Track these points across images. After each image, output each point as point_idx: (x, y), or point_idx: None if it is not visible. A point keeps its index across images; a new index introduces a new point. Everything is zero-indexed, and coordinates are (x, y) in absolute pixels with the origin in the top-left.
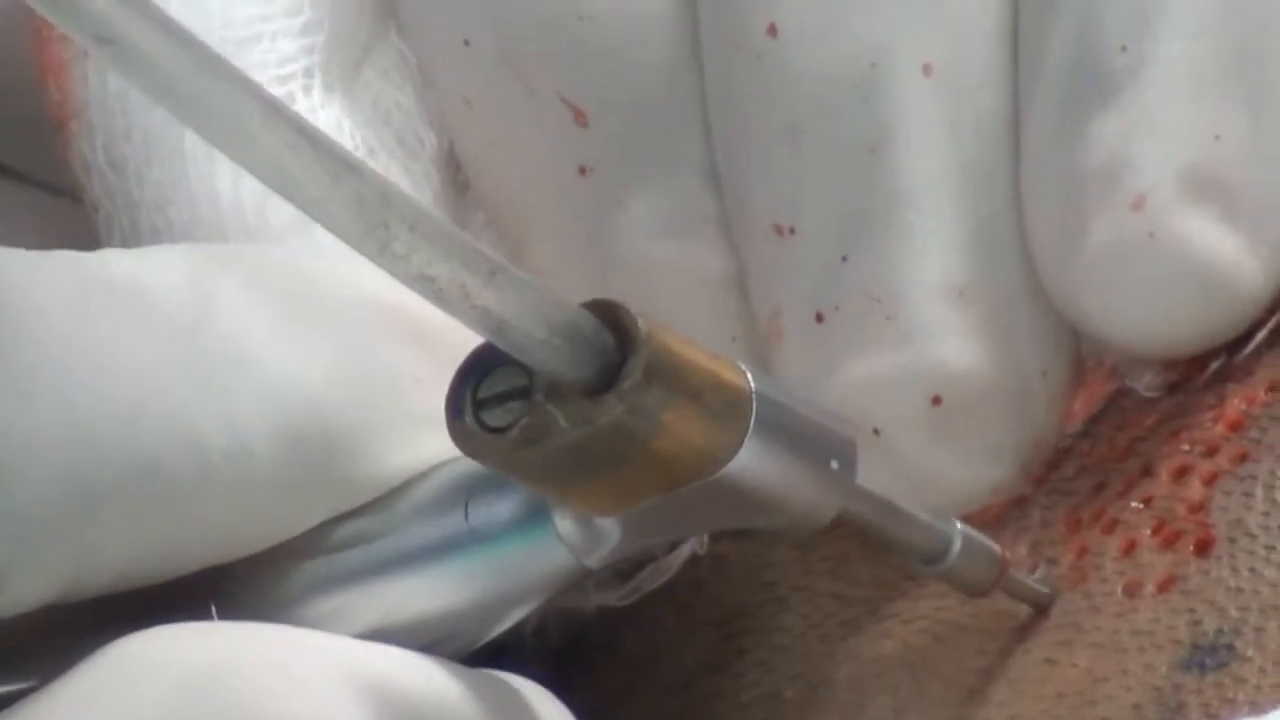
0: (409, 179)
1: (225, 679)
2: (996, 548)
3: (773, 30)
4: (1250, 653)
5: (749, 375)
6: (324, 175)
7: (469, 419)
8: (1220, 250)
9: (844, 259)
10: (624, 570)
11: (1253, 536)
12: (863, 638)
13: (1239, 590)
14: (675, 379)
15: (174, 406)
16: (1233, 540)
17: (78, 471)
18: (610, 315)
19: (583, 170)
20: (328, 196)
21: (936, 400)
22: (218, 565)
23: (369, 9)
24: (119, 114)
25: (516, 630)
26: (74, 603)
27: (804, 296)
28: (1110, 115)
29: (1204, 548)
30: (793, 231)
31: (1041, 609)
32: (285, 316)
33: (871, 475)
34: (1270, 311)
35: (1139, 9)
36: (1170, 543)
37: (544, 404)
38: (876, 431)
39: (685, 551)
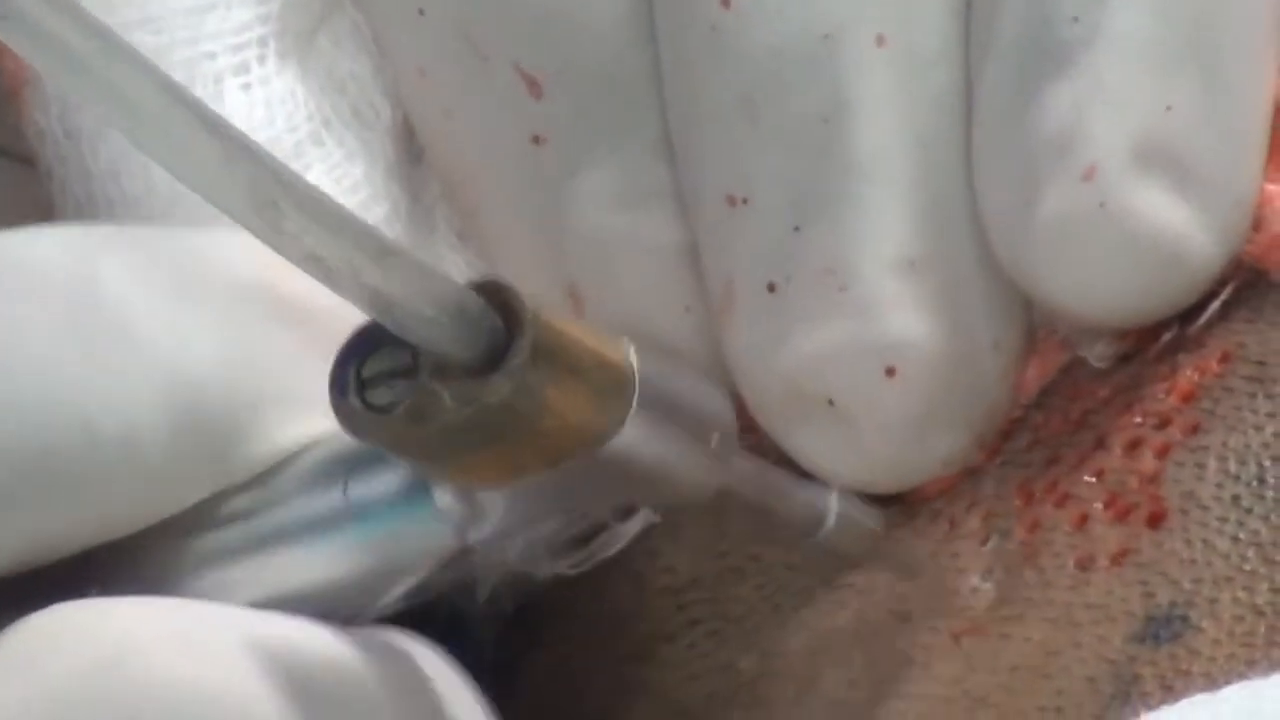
0: (364, 149)
1: (131, 653)
2: (873, 521)
3: (726, 2)
4: (1204, 624)
5: (632, 353)
6: (216, 155)
7: (353, 398)
8: (1171, 221)
9: (796, 230)
10: (578, 538)
11: (1205, 508)
12: (817, 609)
13: (1192, 562)
14: (561, 358)
15: (63, 390)
16: (1185, 512)
17: None
18: (497, 295)
19: (536, 140)
20: (219, 176)
21: (890, 371)
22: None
23: None
24: None
25: (469, 595)
26: None
27: (756, 267)
28: (1062, 85)
29: (1156, 520)
30: (745, 202)
31: (909, 578)
32: (170, 295)
33: (825, 446)
34: (1222, 283)
35: None
36: (1123, 516)
37: (429, 383)
38: (831, 403)
39: (639, 520)
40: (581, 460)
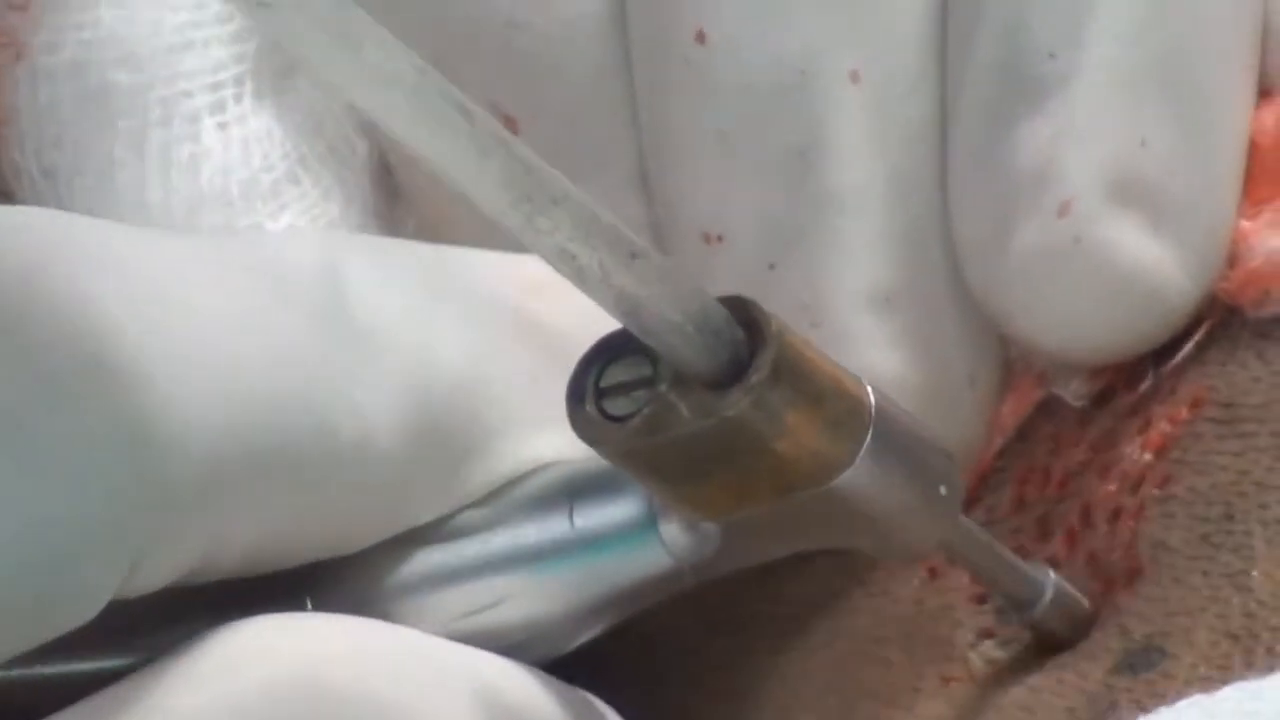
0: (341, 186)
1: (322, 670)
2: (1086, 602)
3: (701, 37)
4: (1179, 652)
5: (869, 387)
6: (473, 149)
7: (590, 405)
8: (1145, 257)
9: (771, 267)
10: None
11: (1174, 550)
12: (790, 656)
13: (1164, 600)
14: (801, 379)
15: (304, 387)
16: (1155, 560)
17: (218, 451)
18: (741, 311)
19: None
20: (476, 170)
21: None
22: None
23: None
24: (50, 121)
25: None
26: (181, 588)
27: None
28: (1038, 121)
29: (1132, 575)
30: (720, 239)
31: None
32: (417, 302)
33: None
34: (1197, 321)
35: (1068, 15)
36: (1109, 587)
37: (667, 394)
38: None
39: None
40: (810, 492)
